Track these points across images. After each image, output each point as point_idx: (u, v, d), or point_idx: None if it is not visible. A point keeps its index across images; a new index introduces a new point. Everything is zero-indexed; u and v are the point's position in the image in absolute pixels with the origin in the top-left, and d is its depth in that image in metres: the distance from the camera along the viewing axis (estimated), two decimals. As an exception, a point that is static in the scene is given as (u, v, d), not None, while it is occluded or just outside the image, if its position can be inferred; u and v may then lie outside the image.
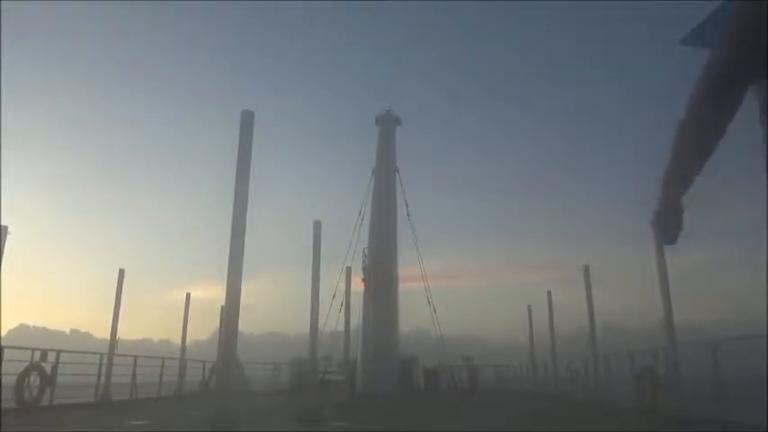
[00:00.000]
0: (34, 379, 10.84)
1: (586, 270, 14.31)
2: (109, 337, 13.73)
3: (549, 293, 17.51)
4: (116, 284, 14.01)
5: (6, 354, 10.22)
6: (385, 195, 25.45)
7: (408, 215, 26.17)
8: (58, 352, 11.69)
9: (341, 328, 18.47)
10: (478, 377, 24.37)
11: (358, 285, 22.60)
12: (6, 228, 9.07)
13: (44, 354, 11.23)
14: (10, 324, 22.96)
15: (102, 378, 13.12)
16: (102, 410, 11.34)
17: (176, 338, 18.67)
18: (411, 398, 18.64)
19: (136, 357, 14.95)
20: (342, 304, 18.23)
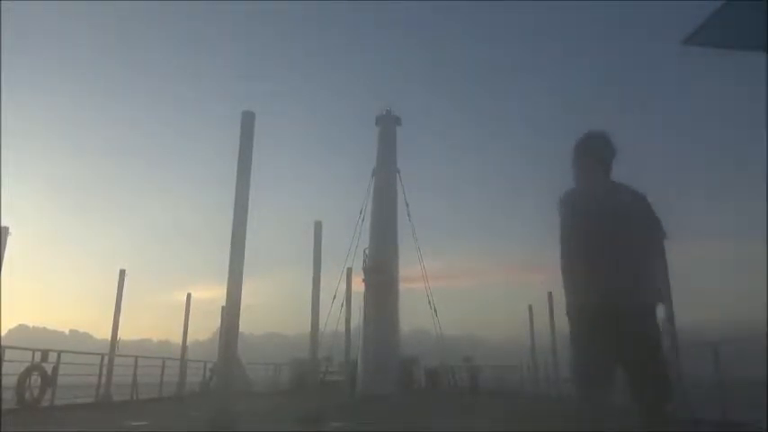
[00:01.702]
0: (35, 379, 10.86)
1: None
2: (108, 338, 13.75)
3: (549, 294, 17.49)
4: (116, 285, 14.01)
5: (7, 354, 10.24)
6: (385, 196, 25.44)
7: (409, 216, 26.18)
8: (59, 352, 11.71)
9: (341, 328, 18.50)
10: (479, 377, 24.36)
11: (359, 286, 22.63)
12: (7, 228, 9.07)
13: (45, 354, 11.25)
14: (9, 324, 23.02)
15: (103, 378, 13.13)
16: (102, 411, 11.34)
17: (176, 339, 18.69)
18: (411, 398, 18.63)
19: (137, 358, 14.96)
20: (342, 305, 18.26)
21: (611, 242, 2.65)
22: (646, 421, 2.64)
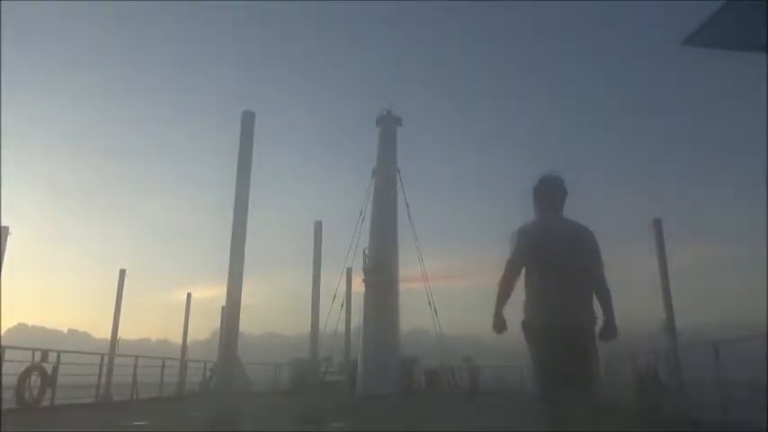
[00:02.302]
0: (35, 379, 10.84)
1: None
2: (107, 337, 13.74)
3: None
4: (116, 284, 14.00)
5: (7, 354, 10.23)
6: (385, 196, 25.43)
7: (409, 216, 26.15)
8: (59, 352, 11.69)
9: (341, 328, 18.49)
10: (479, 377, 24.33)
11: (359, 286, 22.61)
12: (7, 228, 9.08)
13: (45, 354, 11.23)
14: (8, 323, 22.94)
15: (103, 378, 13.12)
16: (102, 411, 11.34)
17: (174, 338, 18.65)
18: (411, 398, 18.63)
19: (137, 358, 14.94)
20: (342, 305, 18.25)
21: (558, 270, 3.22)
22: (573, 407, 3.14)
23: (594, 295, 3.28)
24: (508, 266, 3.35)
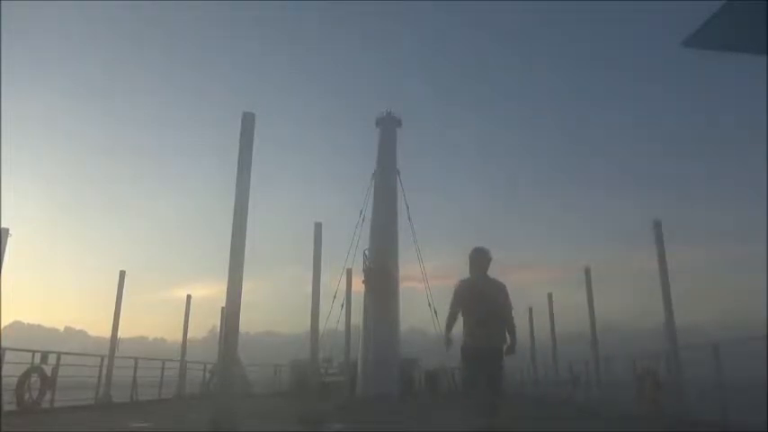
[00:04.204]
0: (35, 381, 10.83)
1: (587, 271, 14.28)
2: (103, 335, 13.72)
3: (549, 295, 17.47)
4: (113, 283, 13.98)
5: (6, 355, 10.22)
6: (386, 197, 25.46)
7: (409, 217, 26.18)
8: (59, 354, 11.67)
9: (341, 328, 18.49)
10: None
11: (359, 287, 22.62)
12: (7, 230, 9.10)
13: (45, 356, 11.21)
14: (5, 321, 22.76)
15: (103, 379, 13.10)
16: (102, 412, 11.34)
17: (170, 337, 18.56)
18: (411, 399, 18.62)
19: (137, 359, 14.92)
20: (342, 305, 18.25)
21: (481, 312, 5.03)
22: (490, 401, 4.93)
23: (506, 326, 5.05)
24: (449, 311, 5.21)
